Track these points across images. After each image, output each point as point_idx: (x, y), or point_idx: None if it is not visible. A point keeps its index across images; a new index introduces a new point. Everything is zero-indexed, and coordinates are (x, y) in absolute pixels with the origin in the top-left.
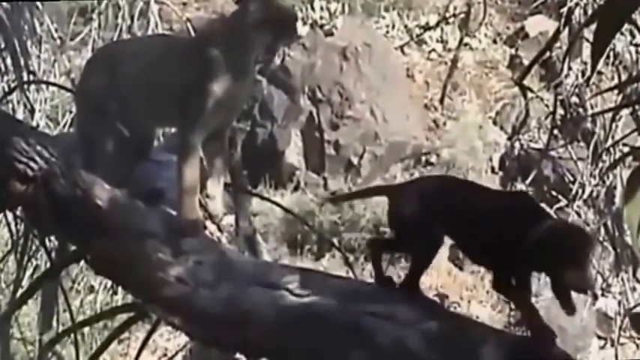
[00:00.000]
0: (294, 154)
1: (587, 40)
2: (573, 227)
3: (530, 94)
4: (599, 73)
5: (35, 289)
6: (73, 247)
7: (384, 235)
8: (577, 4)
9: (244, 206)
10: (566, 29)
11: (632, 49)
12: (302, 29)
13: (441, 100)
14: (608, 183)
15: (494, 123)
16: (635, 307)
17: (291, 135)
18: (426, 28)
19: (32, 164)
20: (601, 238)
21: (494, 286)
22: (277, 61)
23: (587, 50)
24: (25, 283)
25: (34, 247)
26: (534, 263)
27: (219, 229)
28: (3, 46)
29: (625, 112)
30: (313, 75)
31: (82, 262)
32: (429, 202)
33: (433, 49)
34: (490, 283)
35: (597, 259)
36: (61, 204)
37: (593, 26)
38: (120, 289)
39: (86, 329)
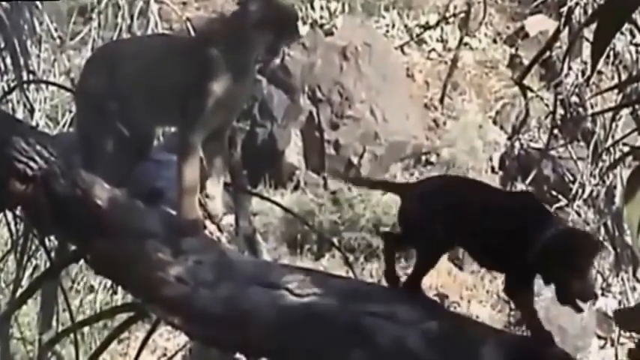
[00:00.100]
0: (294, 153)
1: (587, 40)
2: (582, 234)
3: (530, 94)
4: (599, 72)
5: (35, 288)
6: (73, 247)
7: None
8: (577, 4)
9: (244, 206)
10: (566, 29)
11: (632, 48)
12: (302, 29)
13: (441, 100)
14: (608, 183)
15: (494, 122)
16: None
17: (291, 135)
18: (426, 27)
19: (32, 164)
20: (601, 238)
21: (506, 291)
22: (277, 60)
23: (587, 50)
24: (25, 282)
25: (33, 247)
26: (541, 270)
27: (219, 229)
28: (3, 45)
29: (625, 111)
30: (313, 75)
31: (82, 262)
32: (438, 202)
33: (433, 49)
34: (502, 287)
35: (597, 258)
36: (61, 204)
37: (593, 26)
38: (120, 288)
39: (86, 329)
